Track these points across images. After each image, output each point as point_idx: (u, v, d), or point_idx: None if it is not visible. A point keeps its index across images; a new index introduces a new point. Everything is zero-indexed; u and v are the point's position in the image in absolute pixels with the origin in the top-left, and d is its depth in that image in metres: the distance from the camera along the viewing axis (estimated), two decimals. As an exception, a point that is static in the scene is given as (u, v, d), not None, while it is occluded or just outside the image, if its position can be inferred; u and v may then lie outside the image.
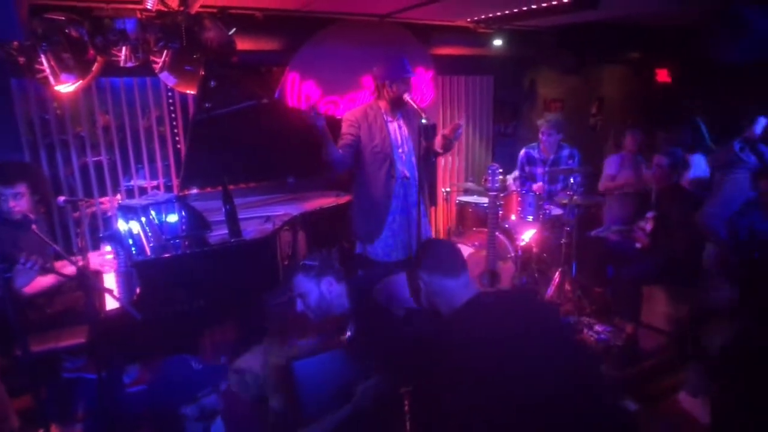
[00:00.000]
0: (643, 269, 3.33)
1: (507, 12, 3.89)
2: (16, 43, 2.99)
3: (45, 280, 2.69)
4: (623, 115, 5.09)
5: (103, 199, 3.78)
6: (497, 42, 4.66)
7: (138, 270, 2.36)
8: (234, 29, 3.39)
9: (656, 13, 3.93)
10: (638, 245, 3.58)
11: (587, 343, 3.33)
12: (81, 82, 3.25)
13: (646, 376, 3.03)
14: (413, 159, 3.03)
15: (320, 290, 2.12)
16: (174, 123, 4.04)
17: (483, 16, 4.14)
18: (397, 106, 3.00)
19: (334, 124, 3.51)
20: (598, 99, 5.39)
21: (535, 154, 4.36)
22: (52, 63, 3.07)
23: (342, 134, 2.98)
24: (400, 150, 3.02)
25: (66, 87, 3.21)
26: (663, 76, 4.91)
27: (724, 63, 3.44)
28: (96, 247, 3.49)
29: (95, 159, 3.78)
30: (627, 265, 3.43)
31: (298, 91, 4.04)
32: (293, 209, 3.34)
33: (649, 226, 3.46)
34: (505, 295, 1.70)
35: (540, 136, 4.26)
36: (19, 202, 2.67)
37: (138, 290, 2.35)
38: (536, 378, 1.45)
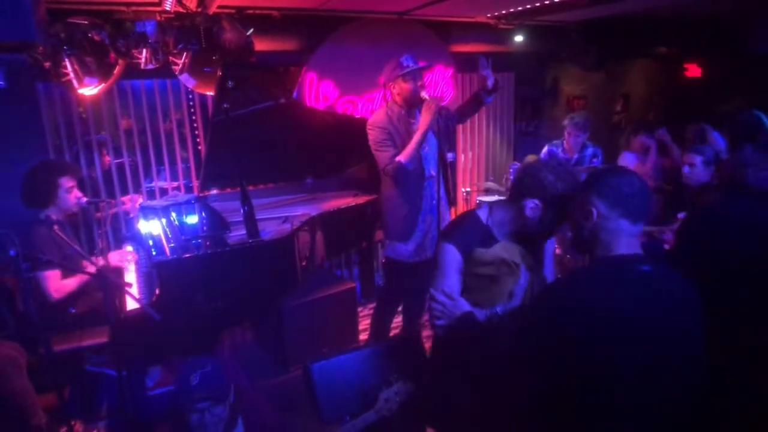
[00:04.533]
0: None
1: (528, 6, 3.81)
2: (41, 48, 3.05)
3: (71, 282, 2.75)
4: (649, 112, 4.94)
5: (124, 198, 3.84)
6: (518, 38, 4.57)
7: (157, 270, 2.38)
8: (251, 30, 3.39)
9: (687, 4, 3.78)
10: (667, 246, 3.45)
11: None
12: (103, 85, 3.30)
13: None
14: (436, 156, 3.01)
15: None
16: (194, 125, 4.08)
17: (504, 11, 4.07)
18: (412, 105, 2.96)
19: (353, 124, 3.50)
20: (623, 96, 5.25)
21: (559, 152, 4.26)
22: (76, 67, 3.12)
23: (382, 143, 2.94)
24: (427, 148, 3.02)
25: (89, 90, 3.26)
26: (693, 70, 4.76)
27: (762, 55, 3.29)
28: (119, 247, 3.55)
29: (117, 161, 3.84)
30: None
31: (316, 90, 4.03)
32: (311, 209, 3.32)
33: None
34: (661, 267, 1.37)
35: (566, 136, 4.17)
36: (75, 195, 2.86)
37: (157, 291, 2.36)
38: (644, 367, 1.26)
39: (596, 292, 1.30)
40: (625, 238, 1.35)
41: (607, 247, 1.36)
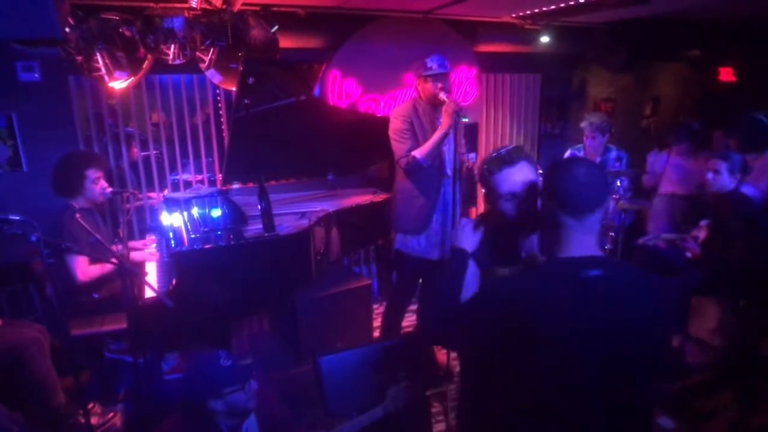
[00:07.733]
0: (693, 280, 3.13)
1: (554, 7, 3.75)
2: (73, 42, 3.16)
3: (96, 268, 2.85)
4: (680, 117, 4.80)
5: (151, 194, 3.94)
6: (545, 39, 4.51)
7: (174, 261, 2.44)
8: (276, 27, 3.44)
9: (719, 6, 3.66)
10: (689, 254, 3.36)
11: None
12: (132, 79, 3.40)
13: (692, 393, 2.85)
14: (453, 157, 3.02)
15: None
16: (220, 119, 4.16)
17: (529, 12, 4.02)
18: (433, 104, 2.97)
19: (375, 122, 3.52)
20: (652, 99, 5.11)
21: (581, 156, 4.19)
22: (107, 61, 3.23)
23: (403, 133, 2.95)
24: (446, 147, 3.04)
25: (119, 84, 3.36)
26: (727, 75, 4.60)
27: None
28: (142, 236, 3.66)
29: (144, 153, 3.95)
30: (675, 274, 3.23)
31: (339, 88, 4.06)
32: (330, 206, 3.36)
33: (702, 235, 3.25)
34: (616, 272, 1.30)
35: (584, 139, 4.10)
36: (101, 185, 2.97)
37: (174, 281, 2.43)
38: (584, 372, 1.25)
39: (536, 293, 1.27)
40: (576, 237, 1.28)
41: (560, 248, 1.31)
